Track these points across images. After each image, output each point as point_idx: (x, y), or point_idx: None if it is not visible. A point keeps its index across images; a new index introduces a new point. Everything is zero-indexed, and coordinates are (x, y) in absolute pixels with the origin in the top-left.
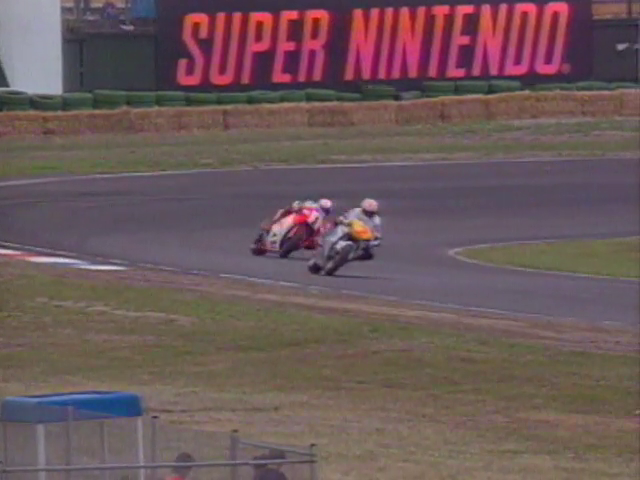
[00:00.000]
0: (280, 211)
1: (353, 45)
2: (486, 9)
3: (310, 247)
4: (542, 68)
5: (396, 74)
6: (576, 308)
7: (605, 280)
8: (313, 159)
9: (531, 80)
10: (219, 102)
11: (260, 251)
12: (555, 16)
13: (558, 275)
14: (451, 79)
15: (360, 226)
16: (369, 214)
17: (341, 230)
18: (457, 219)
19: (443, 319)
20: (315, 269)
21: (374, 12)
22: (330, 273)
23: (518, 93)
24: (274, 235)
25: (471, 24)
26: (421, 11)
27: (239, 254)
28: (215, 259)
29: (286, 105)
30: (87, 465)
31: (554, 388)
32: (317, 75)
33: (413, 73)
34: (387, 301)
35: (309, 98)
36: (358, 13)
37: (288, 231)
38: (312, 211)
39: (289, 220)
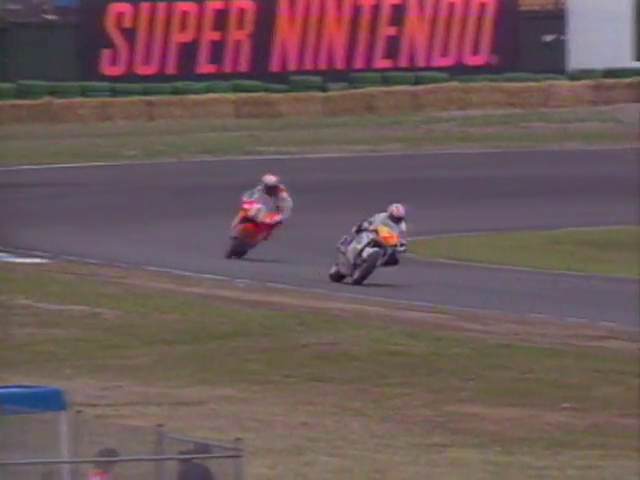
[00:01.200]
0: None
1: (279, 36)
2: (413, 0)
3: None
4: (469, 59)
5: (323, 65)
6: (504, 301)
7: (536, 273)
8: (239, 151)
9: (458, 71)
10: (144, 93)
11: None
12: (482, 7)
13: (489, 268)
14: (378, 70)
15: (387, 232)
16: (395, 219)
17: (367, 236)
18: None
19: (371, 312)
20: (337, 277)
21: (300, 2)
22: (358, 282)
23: (446, 84)
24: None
25: (398, 15)
26: (347, 1)
27: (164, 247)
28: (140, 251)
29: (212, 96)
30: (9, 460)
31: (481, 381)
32: (243, 66)
33: (340, 64)
34: (314, 294)
35: (235, 89)
36: (284, 3)
37: (236, 230)
38: (252, 204)
39: (237, 219)
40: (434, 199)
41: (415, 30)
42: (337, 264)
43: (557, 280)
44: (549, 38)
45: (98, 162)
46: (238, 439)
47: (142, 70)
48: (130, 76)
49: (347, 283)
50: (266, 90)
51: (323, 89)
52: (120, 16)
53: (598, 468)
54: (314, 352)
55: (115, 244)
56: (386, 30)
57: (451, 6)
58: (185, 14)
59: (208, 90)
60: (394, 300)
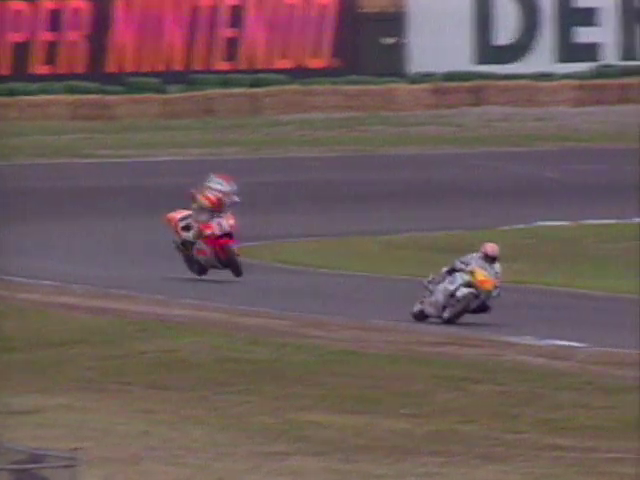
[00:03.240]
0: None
1: (115, 36)
2: (251, 1)
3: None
4: (310, 62)
5: (161, 66)
6: (347, 307)
7: (377, 279)
8: (75, 154)
9: (299, 74)
10: None
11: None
12: (322, 9)
13: (328, 273)
14: (217, 72)
15: (483, 275)
16: (491, 260)
17: (461, 277)
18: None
19: (212, 318)
20: (421, 317)
21: (137, 2)
22: (450, 322)
23: (286, 87)
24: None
25: (237, 16)
26: (185, 2)
27: None
28: None
29: (47, 97)
30: None
31: (324, 388)
32: (79, 67)
33: (178, 66)
34: (155, 300)
35: (71, 90)
36: (120, 3)
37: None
38: (210, 224)
39: (199, 241)
40: (273, 203)
41: (254, 32)
42: (422, 302)
43: (398, 286)
44: (389, 41)
45: None
46: (74, 448)
47: None
48: None
49: (434, 323)
50: (102, 92)
51: (161, 91)
52: None
53: (438, 475)
54: (154, 359)
55: None
56: (225, 31)
57: (291, 8)
58: (18, 14)
59: (42, 92)
60: (235, 306)
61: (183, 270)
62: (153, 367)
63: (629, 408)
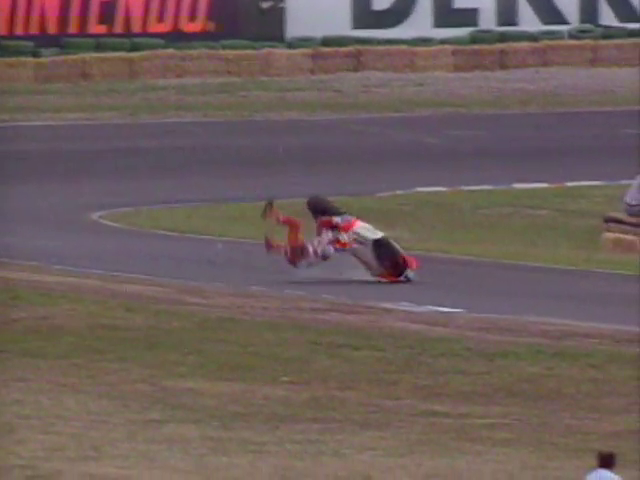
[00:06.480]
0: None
1: None
2: None
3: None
4: (186, 26)
5: (34, 29)
6: (222, 273)
7: (255, 244)
8: None
9: (175, 38)
10: None
11: None
12: None
13: (204, 239)
14: (92, 36)
15: None
16: None
17: None
18: (100, 181)
19: (86, 285)
20: None
21: None
22: None
23: (162, 51)
24: None
25: None
26: None
27: None
28: None
29: None
30: None
31: (201, 355)
32: None
33: (52, 29)
34: (27, 266)
35: None
36: None
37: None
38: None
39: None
40: (151, 169)
41: None
42: None
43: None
44: (266, 5)
45: None
46: None
47: None
48: None
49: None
50: None
51: (35, 55)
52: None
53: (317, 442)
54: (27, 327)
55: None
56: None
57: None
58: None
59: None
60: (111, 273)
61: (52, 236)
62: (26, 334)
63: (505, 373)
